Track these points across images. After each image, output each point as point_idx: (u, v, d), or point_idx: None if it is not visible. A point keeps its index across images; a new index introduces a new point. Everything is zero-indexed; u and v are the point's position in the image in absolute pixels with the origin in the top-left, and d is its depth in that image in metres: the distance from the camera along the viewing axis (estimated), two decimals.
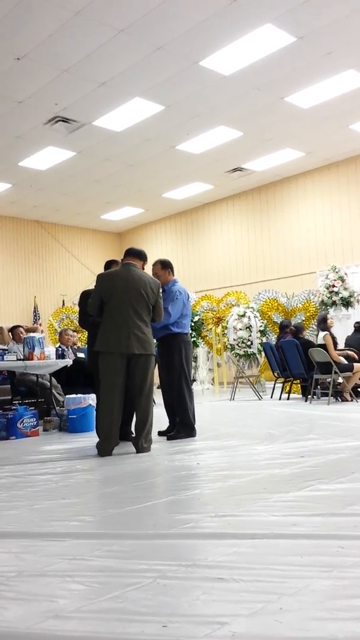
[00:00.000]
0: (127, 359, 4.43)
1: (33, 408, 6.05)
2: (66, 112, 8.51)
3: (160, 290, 4.66)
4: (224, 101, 8.48)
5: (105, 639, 1.41)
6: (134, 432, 4.68)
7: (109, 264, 5.26)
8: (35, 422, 5.78)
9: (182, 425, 5.05)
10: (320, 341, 8.06)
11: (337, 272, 10.52)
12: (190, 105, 8.51)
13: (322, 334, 8.03)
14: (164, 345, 5.13)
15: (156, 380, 5.73)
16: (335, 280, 10.48)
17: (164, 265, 5.27)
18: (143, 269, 4.72)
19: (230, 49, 7.04)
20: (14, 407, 5.88)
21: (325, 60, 7.48)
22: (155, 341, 4.83)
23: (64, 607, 1.61)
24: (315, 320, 10.33)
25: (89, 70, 7.35)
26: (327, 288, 10.54)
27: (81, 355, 7.33)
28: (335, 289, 10.46)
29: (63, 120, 8.77)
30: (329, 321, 8.26)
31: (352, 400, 7.79)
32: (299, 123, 9.43)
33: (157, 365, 5.50)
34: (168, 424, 5.29)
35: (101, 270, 5.06)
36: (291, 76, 7.87)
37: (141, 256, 4.75)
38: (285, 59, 7.37)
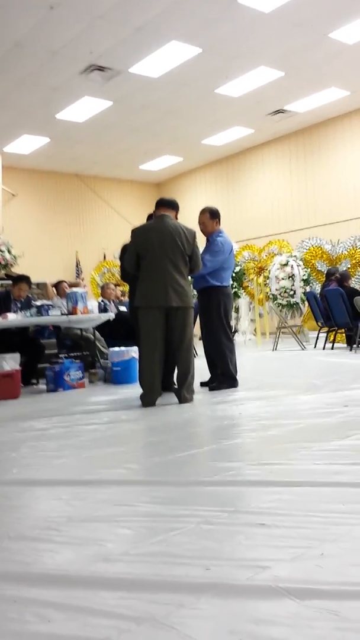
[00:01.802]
0: (166, 312, 4.45)
1: (78, 361, 6.19)
2: (101, 60, 8.33)
3: (196, 240, 4.58)
4: (264, 40, 8.12)
5: (152, 581, 1.47)
6: (176, 383, 4.74)
7: (151, 217, 5.20)
8: (81, 375, 5.93)
9: (223, 376, 5.08)
10: None
11: None
12: (228, 46, 8.20)
13: None
14: (203, 298, 5.09)
15: (197, 331, 5.75)
16: None
17: (212, 215, 5.10)
18: (176, 218, 4.64)
19: None
20: (60, 360, 6.04)
21: None
22: (195, 292, 4.78)
23: (111, 551, 1.68)
24: None
25: (123, 15, 7.13)
26: None
27: (123, 308, 7.40)
28: None
29: (98, 69, 8.60)
30: None
31: None
32: (344, 60, 8.98)
33: (197, 316, 5.50)
34: (209, 375, 5.33)
35: (142, 222, 5.02)
36: (334, 11, 7.45)
37: (173, 206, 4.64)
38: None
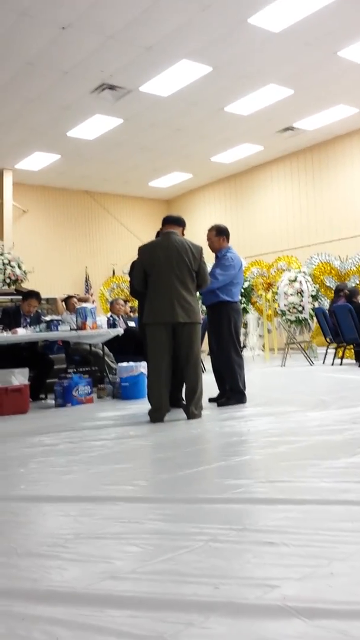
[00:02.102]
0: (173, 328, 4.46)
1: (87, 376, 6.20)
2: (112, 79, 8.45)
3: (203, 256, 4.60)
4: (274, 59, 8.22)
5: (160, 599, 1.46)
6: (184, 398, 4.74)
7: (159, 234, 5.24)
8: (89, 390, 5.93)
9: (232, 392, 5.07)
10: None
11: None
12: (238, 65, 8.30)
13: None
14: (213, 313, 5.11)
15: (205, 347, 5.75)
16: None
17: (219, 232, 5.17)
18: (183, 234, 4.67)
19: (279, 4, 6.78)
20: (69, 376, 6.05)
21: None
22: (203, 308, 4.80)
23: (119, 569, 1.67)
24: None
25: (134, 35, 7.25)
26: None
27: (132, 324, 7.42)
28: None
29: (110, 88, 8.72)
30: None
31: None
32: (353, 78, 9.05)
33: (205, 332, 5.50)
34: (218, 390, 5.32)
35: (151, 238, 5.06)
36: (343, 30, 7.53)
37: (179, 222, 4.68)
38: (337, 12, 7.04)
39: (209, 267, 4.77)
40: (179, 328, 4.46)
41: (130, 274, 5.19)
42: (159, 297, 4.44)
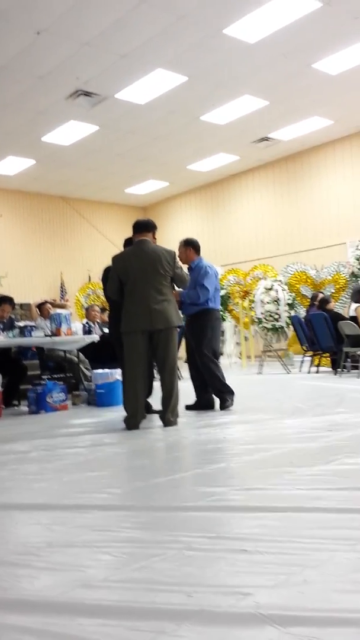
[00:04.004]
0: (150, 335, 4.46)
1: (62, 383, 6.15)
2: (88, 85, 8.44)
3: (177, 260, 4.62)
4: (249, 70, 8.29)
5: (132, 608, 1.45)
6: (151, 403, 4.79)
7: (130, 241, 5.25)
8: (64, 397, 5.88)
9: (223, 393, 5.12)
10: (351, 313, 7.96)
11: None
12: (214, 75, 8.35)
13: (354, 306, 7.93)
14: (197, 320, 5.13)
15: (182, 354, 5.76)
16: None
17: (186, 243, 5.28)
18: (154, 238, 4.68)
19: (254, 16, 6.84)
20: (43, 382, 5.99)
21: (354, 24, 7.23)
22: (181, 315, 4.82)
23: (92, 577, 1.65)
24: (347, 292, 10.20)
25: (109, 43, 7.25)
26: (358, 259, 10.36)
27: (107, 330, 7.39)
28: None
29: (85, 94, 8.70)
30: None
31: None
32: (327, 90, 9.19)
33: (181, 339, 5.53)
34: (195, 397, 5.32)
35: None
36: (318, 42, 7.64)
37: (148, 227, 4.67)
38: (312, 25, 7.14)
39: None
40: (156, 334, 4.46)
41: (103, 281, 5.18)
42: (135, 306, 4.44)
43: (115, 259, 4.62)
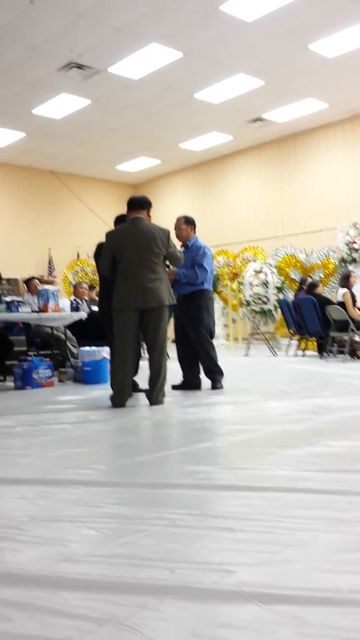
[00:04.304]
0: (141, 313, 4.44)
1: (48, 359, 6.12)
2: (81, 58, 8.28)
3: (172, 239, 4.60)
4: (245, 48, 8.18)
5: (115, 582, 1.45)
6: (137, 382, 4.83)
7: (121, 219, 5.19)
8: (50, 373, 5.86)
9: (214, 373, 5.17)
10: (339, 298, 7.98)
11: (358, 228, 10.33)
12: (209, 52, 8.23)
13: (342, 291, 7.94)
14: (192, 300, 5.13)
15: (170, 334, 5.76)
16: (356, 236, 10.30)
17: (187, 222, 5.24)
18: (149, 216, 4.63)
19: None
20: (29, 358, 5.96)
21: (350, 7, 7.14)
22: (173, 295, 4.80)
23: (75, 551, 1.65)
24: (336, 277, 10.22)
25: (104, 15, 7.11)
26: (347, 245, 10.37)
27: (96, 308, 7.35)
28: (355, 246, 10.29)
29: (78, 67, 8.54)
30: (351, 279, 8.14)
31: None
32: (323, 72, 9.10)
33: (171, 318, 5.52)
34: (182, 377, 5.32)
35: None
36: (315, 23, 7.55)
37: (143, 204, 4.60)
38: (310, 5, 7.05)
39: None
40: (147, 313, 4.44)
41: (95, 257, 5.13)
42: (128, 283, 4.41)
43: (109, 235, 4.57)
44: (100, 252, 4.85)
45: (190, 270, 5.04)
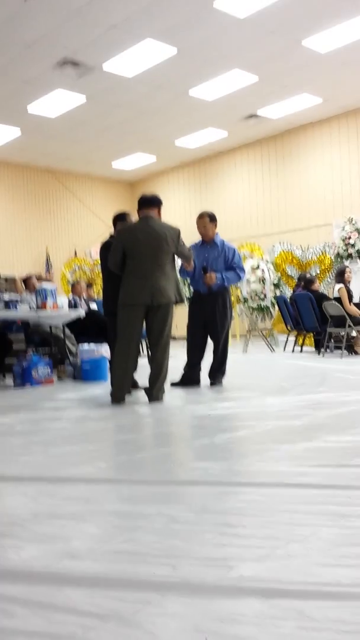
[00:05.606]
0: (147, 310, 4.46)
1: (47, 357, 6.12)
2: (75, 55, 8.26)
3: (181, 238, 4.61)
4: (239, 45, 8.17)
5: (118, 579, 1.46)
6: (137, 380, 4.89)
7: (120, 217, 5.20)
8: (49, 371, 5.87)
9: (221, 373, 5.28)
10: (335, 294, 8.00)
11: (353, 224, 10.34)
12: (203, 48, 8.21)
13: (337, 286, 7.96)
14: (217, 298, 5.20)
15: (177, 332, 5.80)
16: (351, 232, 10.31)
17: (212, 219, 5.30)
18: (159, 214, 4.65)
19: None
20: (28, 356, 5.96)
21: (344, 1, 7.13)
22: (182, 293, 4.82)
23: (77, 548, 1.66)
24: (332, 273, 10.23)
25: (98, 12, 7.09)
26: (343, 240, 10.39)
27: (94, 306, 7.36)
28: (351, 242, 10.31)
29: (72, 64, 8.52)
30: (346, 274, 8.15)
31: None
32: (317, 67, 9.09)
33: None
34: (184, 373, 5.32)
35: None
36: (308, 19, 7.54)
37: (154, 203, 4.63)
38: (302, 1, 7.04)
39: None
40: (153, 310, 4.46)
41: (102, 255, 5.13)
42: (137, 280, 4.43)
43: (122, 231, 4.63)
44: (106, 249, 4.88)
45: (231, 272, 5.19)
